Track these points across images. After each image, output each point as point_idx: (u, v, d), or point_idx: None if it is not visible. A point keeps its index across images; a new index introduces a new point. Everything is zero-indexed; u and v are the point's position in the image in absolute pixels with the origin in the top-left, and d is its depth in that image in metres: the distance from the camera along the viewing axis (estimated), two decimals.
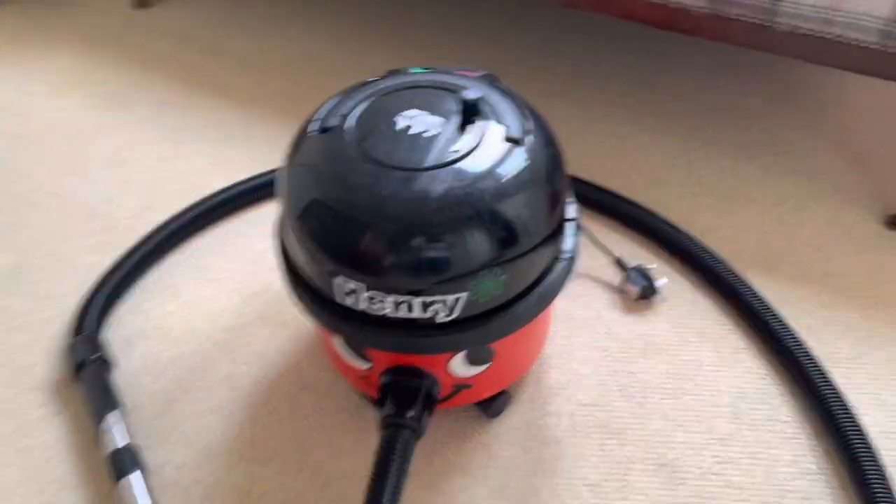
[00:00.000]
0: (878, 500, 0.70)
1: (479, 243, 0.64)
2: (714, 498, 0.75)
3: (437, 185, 0.64)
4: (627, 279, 0.92)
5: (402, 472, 0.67)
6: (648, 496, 0.76)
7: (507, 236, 0.65)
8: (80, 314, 0.91)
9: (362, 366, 0.75)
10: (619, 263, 0.93)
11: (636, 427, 0.81)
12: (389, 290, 0.65)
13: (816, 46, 0.89)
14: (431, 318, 0.66)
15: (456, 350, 0.70)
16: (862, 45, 0.85)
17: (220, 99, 1.26)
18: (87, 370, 0.84)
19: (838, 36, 0.86)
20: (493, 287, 0.66)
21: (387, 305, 0.66)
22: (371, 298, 0.66)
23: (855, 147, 1.11)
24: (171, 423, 0.84)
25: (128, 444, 0.78)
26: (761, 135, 1.14)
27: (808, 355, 0.82)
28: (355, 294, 0.66)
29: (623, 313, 0.92)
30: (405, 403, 0.71)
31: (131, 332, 0.93)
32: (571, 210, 0.75)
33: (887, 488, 0.71)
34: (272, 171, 1.08)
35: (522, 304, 0.69)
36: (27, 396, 0.85)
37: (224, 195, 1.05)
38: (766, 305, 0.87)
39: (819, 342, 0.85)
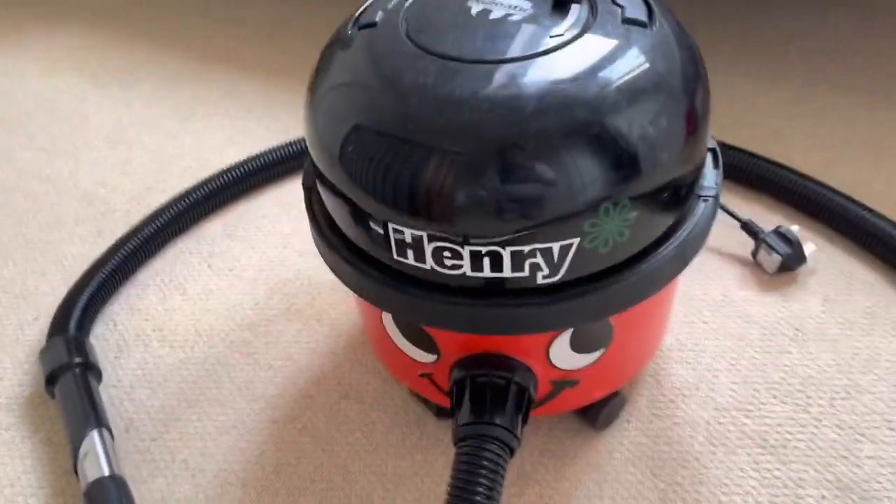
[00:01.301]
0: None
1: (596, 165, 0.43)
2: None
3: (534, 81, 0.43)
4: (763, 246, 0.70)
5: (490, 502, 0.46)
6: None
7: (635, 156, 0.44)
8: (60, 313, 0.72)
9: (426, 358, 0.54)
10: (750, 230, 0.72)
11: (802, 438, 0.59)
12: (466, 238, 0.44)
13: None
14: (529, 279, 0.46)
15: (563, 327, 0.49)
16: None
17: (237, 71, 1.08)
18: (65, 378, 0.65)
19: None
20: (617, 231, 0.45)
21: (462, 261, 0.45)
22: (438, 251, 0.45)
23: None
24: (173, 447, 0.64)
25: (113, 475, 0.58)
26: None
27: None
28: (417, 246, 0.45)
29: (760, 291, 0.70)
30: (490, 407, 0.50)
31: (125, 334, 0.73)
32: (709, 138, 0.54)
33: None
34: (298, 141, 0.89)
35: (656, 258, 0.48)
36: None
37: (239, 169, 0.86)
38: None
39: None
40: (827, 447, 0.58)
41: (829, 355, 0.64)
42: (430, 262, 0.46)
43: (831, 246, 0.73)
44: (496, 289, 0.46)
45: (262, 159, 0.87)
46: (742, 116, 0.89)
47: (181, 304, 0.76)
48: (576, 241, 0.44)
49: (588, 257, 0.45)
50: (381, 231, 0.46)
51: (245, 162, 0.86)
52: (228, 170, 0.85)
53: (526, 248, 0.44)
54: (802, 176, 0.76)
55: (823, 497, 0.55)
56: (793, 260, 0.69)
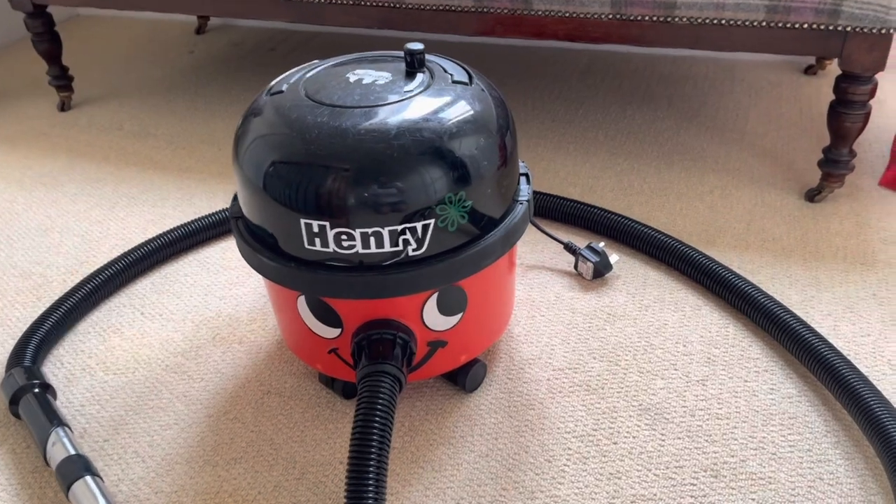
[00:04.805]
0: (869, 401, 0.70)
1: (438, 169, 0.65)
2: (703, 430, 0.74)
3: (395, 116, 0.66)
4: (580, 258, 0.94)
5: (387, 423, 0.63)
6: (638, 437, 0.74)
7: (466, 163, 0.66)
8: (15, 352, 0.84)
9: (332, 333, 0.72)
10: (570, 248, 0.95)
11: (614, 382, 0.80)
12: (355, 224, 0.64)
13: (713, 34, 0.98)
14: (403, 252, 0.66)
15: (429, 288, 0.69)
16: (751, 24, 0.95)
17: (152, 171, 1.26)
18: (27, 398, 0.77)
19: (730, 20, 0.96)
20: (459, 216, 0.67)
21: (355, 241, 0.65)
22: (338, 236, 0.65)
23: (760, 149, 1.20)
24: (123, 442, 0.77)
25: (79, 453, 0.71)
26: (676, 146, 1.23)
27: (769, 296, 0.84)
28: (322, 234, 0.65)
29: (582, 292, 0.93)
30: (382, 354, 0.68)
31: (72, 370, 0.86)
32: (522, 167, 0.78)
33: (877, 392, 0.71)
34: (212, 214, 1.07)
35: (489, 238, 0.69)
36: None
37: (161, 239, 1.03)
38: (718, 263, 0.90)
39: (771, 293, 0.88)
40: (632, 385, 0.79)
41: (632, 328, 0.87)
42: (332, 246, 0.65)
43: (632, 259, 0.97)
44: (381, 262, 0.66)
45: (183, 229, 1.04)
46: (567, 178, 1.16)
47: (120, 342, 0.90)
48: (431, 221, 0.65)
49: (441, 235, 0.66)
50: (296, 227, 0.65)
51: (170, 231, 1.03)
52: (155, 238, 1.02)
53: (399, 228, 0.64)
54: (608, 211, 1.01)
55: (630, 416, 0.76)
56: (602, 267, 0.93)
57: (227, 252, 1.04)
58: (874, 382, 0.74)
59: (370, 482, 0.59)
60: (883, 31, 0.91)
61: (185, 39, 1.84)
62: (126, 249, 1.01)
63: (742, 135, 1.25)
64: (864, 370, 0.76)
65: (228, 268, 1.01)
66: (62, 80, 1.49)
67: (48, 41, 1.43)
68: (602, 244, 0.95)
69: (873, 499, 0.66)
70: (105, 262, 0.99)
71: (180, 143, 1.35)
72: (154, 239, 1.02)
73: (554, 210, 1.04)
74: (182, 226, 1.05)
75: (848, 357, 0.77)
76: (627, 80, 1.47)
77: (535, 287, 0.94)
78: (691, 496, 0.68)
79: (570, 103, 1.40)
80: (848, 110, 0.98)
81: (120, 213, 1.15)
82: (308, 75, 0.73)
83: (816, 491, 0.67)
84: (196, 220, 1.06)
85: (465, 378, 0.79)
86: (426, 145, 0.64)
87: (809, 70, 1.45)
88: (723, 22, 0.97)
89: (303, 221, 0.65)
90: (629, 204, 1.09)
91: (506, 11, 1.06)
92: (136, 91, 1.58)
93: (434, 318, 0.72)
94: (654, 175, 1.16)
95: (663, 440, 0.73)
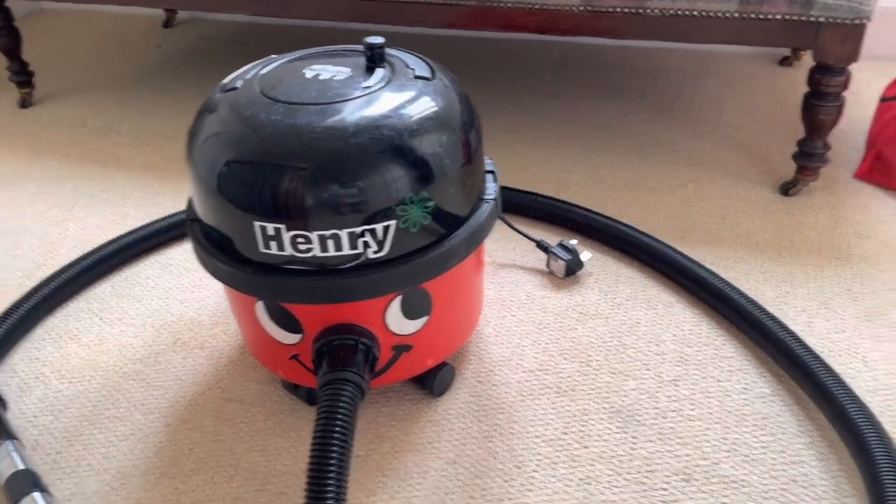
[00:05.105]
0: (842, 401, 0.69)
1: (397, 168, 0.62)
2: (675, 433, 0.72)
3: (354, 113, 0.63)
4: (552, 257, 0.91)
5: (347, 433, 0.61)
6: (608, 440, 0.72)
7: (428, 161, 0.64)
8: None
9: (293, 339, 0.70)
10: (542, 246, 0.93)
11: (585, 383, 0.78)
12: (312, 226, 0.62)
13: (685, 25, 0.96)
14: (362, 255, 0.63)
15: (391, 291, 0.66)
16: (724, 15, 0.93)
17: (115, 169, 1.22)
18: None
19: (703, 11, 0.94)
20: (421, 216, 0.64)
21: (312, 244, 0.63)
22: (294, 239, 0.62)
23: (734, 141, 1.19)
24: (77, 455, 0.74)
25: (28, 468, 0.68)
26: (649, 140, 1.21)
27: (743, 294, 0.83)
28: (278, 237, 0.62)
29: (553, 291, 0.91)
30: (343, 361, 0.66)
31: (25, 378, 0.83)
32: (489, 163, 0.76)
33: (847, 389, 0.70)
34: (173, 215, 1.04)
35: (453, 238, 0.67)
36: None
37: (121, 242, 0.99)
38: (691, 260, 0.89)
39: (744, 289, 0.86)
40: (603, 386, 0.78)
41: (604, 328, 0.85)
42: (288, 249, 0.63)
43: (605, 257, 0.96)
44: (340, 265, 0.63)
45: (145, 230, 1.01)
46: (538, 174, 1.14)
47: (76, 349, 0.87)
48: (392, 223, 0.63)
49: (404, 237, 0.64)
50: (250, 230, 0.63)
51: (130, 233, 1.00)
52: (115, 240, 0.99)
53: (357, 230, 0.62)
54: (580, 207, 0.99)
55: (601, 419, 0.74)
56: (574, 264, 0.91)
57: (190, 253, 1.00)
58: (848, 380, 0.72)
59: (330, 496, 0.57)
60: (856, 22, 0.89)
61: (153, 34, 1.80)
62: (86, 251, 0.98)
63: (716, 127, 1.24)
64: (838, 368, 0.75)
65: (191, 270, 0.98)
66: (22, 75, 1.44)
67: (6, 35, 1.38)
68: (574, 241, 0.93)
69: (847, 501, 0.65)
70: (63, 264, 0.96)
71: (145, 140, 1.31)
72: (115, 240, 0.99)
73: (525, 207, 1.02)
74: (144, 226, 1.02)
75: (822, 354, 0.75)
76: (600, 73, 1.45)
77: (506, 286, 0.92)
78: (662, 501, 0.66)
79: (543, 97, 1.37)
80: (822, 102, 0.97)
81: (80, 214, 1.11)
82: (264, 71, 0.70)
83: (790, 494, 0.66)
84: (159, 221, 1.03)
85: (433, 382, 0.77)
86: (385, 143, 0.62)
87: (785, 61, 1.44)
88: (695, 13, 0.95)
89: (257, 224, 0.62)
90: (601, 199, 1.07)
91: (474, 3, 1.03)
92: (100, 87, 1.53)
93: (398, 322, 0.69)
94: (627, 169, 1.14)
95: (634, 443, 0.71)
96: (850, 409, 0.67)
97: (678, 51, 1.52)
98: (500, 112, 1.32)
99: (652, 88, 1.38)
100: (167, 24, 1.83)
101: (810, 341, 0.78)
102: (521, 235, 0.95)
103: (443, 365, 0.77)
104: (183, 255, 1.01)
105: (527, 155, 1.19)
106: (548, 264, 0.93)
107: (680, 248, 0.91)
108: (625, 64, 1.48)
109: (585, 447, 0.71)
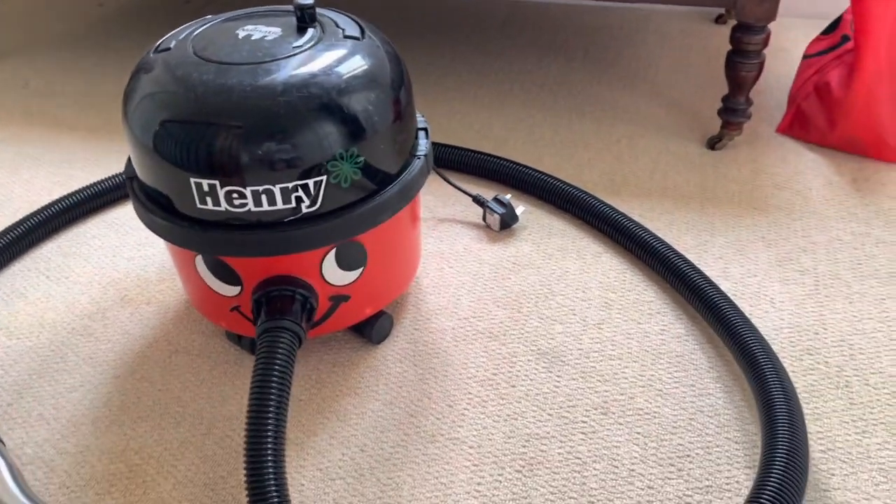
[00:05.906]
0: (746, 338, 0.74)
1: (330, 125, 0.65)
2: (596, 371, 0.77)
3: (283, 72, 0.65)
4: (487, 210, 0.96)
5: (285, 376, 0.64)
6: (535, 379, 0.77)
7: (357, 118, 0.67)
8: None
9: (232, 291, 0.73)
10: (478, 200, 0.97)
11: (515, 329, 0.83)
12: (246, 182, 0.65)
13: None
14: (296, 210, 0.66)
15: (325, 244, 0.70)
16: None
17: (57, 130, 1.23)
18: None
19: None
20: (352, 172, 0.67)
21: (247, 200, 0.66)
22: (229, 195, 0.65)
23: (668, 98, 1.23)
24: (27, 406, 0.77)
25: None
26: (588, 98, 1.25)
27: (663, 242, 0.88)
28: (213, 193, 0.65)
29: (489, 243, 0.95)
30: (281, 310, 0.70)
31: None
32: (421, 121, 0.79)
33: (753, 329, 0.76)
34: (118, 175, 1.05)
35: (385, 193, 0.70)
36: None
37: (66, 201, 1.01)
38: (618, 211, 0.93)
39: (667, 238, 0.91)
40: (532, 331, 0.82)
41: (536, 277, 0.90)
42: (223, 205, 0.66)
43: (538, 210, 1.00)
44: (274, 219, 0.66)
45: (88, 191, 1.02)
46: (480, 131, 1.17)
47: (23, 307, 0.89)
48: (323, 178, 0.66)
49: (335, 192, 0.67)
50: (187, 187, 0.65)
51: (73, 193, 1.01)
52: (60, 199, 1.00)
53: (290, 185, 0.65)
54: (514, 162, 1.03)
55: (529, 360, 0.79)
56: (508, 218, 0.95)
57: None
58: (756, 320, 0.78)
59: (269, 435, 0.61)
60: None
61: None
62: (30, 212, 0.99)
63: (652, 85, 1.28)
64: (747, 309, 0.81)
65: (137, 228, 1.00)
66: None
67: None
68: (509, 196, 0.97)
69: (748, 427, 0.71)
70: (9, 223, 0.97)
71: (88, 102, 1.31)
72: (59, 200, 1.00)
73: (463, 163, 1.06)
74: (88, 186, 1.03)
75: (734, 297, 0.81)
76: (546, 32, 1.48)
77: (445, 240, 0.96)
78: (582, 433, 0.72)
79: (488, 56, 1.40)
80: (743, 59, 1.01)
81: (24, 176, 1.12)
82: (197, 32, 0.72)
83: (696, 423, 0.72)
84: (104, 181, 1.04)
85: (371, 330, 0.81)
86: (314, 101, 0.65)
87: (720, 19, 1.48)
88: None
89: (192, 181, 0.65)
90: (539, 155, 1.11)
91: None
92: (41, 47, 1.52)
93: (334, 274, 0.73)
94: (566, 127, 1.18)
95: (559, 382, 0.77)
96: (751, 345, 0.72)
97: (622, 9, 1.56)
98: (445, 72, 1.35)
99: (595, 46, 1.41)
100: None
101: (724, 285, 0.84)
102: (459, 191, 0.99)
103: (381, 314, 0.81)
104: (129, 214, 1.03)
105: (470, 114, 1.22)
106: (484, 218, 0.97)
107: (611, 202, 0.96)
108: (570, 22, 1.51)
109: (513, 386, 0.76)
